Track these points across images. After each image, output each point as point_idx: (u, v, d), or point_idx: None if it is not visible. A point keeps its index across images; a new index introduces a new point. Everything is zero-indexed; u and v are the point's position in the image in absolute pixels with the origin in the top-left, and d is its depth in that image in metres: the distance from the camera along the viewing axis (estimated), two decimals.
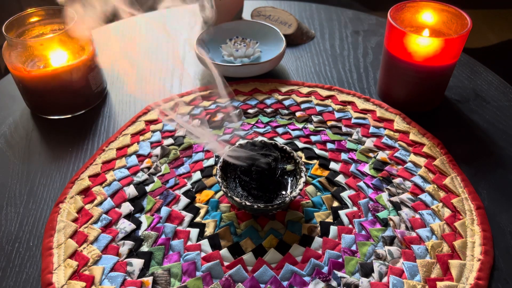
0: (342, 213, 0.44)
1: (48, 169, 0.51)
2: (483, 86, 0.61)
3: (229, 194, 0.42)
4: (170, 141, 0.53)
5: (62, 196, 0.46)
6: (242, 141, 0.45)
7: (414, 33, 0.50)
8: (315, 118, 0.56)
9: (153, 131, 0.54)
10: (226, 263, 0.40)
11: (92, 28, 0.52)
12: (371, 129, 0.54)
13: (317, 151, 0.51)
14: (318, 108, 0.57)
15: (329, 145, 0.52)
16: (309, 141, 0.53)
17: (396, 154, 0.51)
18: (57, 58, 0.54)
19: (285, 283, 0.39)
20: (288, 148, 0.46)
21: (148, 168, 0.50)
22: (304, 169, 0.44)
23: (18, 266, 0.41)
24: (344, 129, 0.54)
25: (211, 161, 0.50)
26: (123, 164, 0.50)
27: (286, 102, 0.59)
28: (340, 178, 0.48)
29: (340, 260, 0.40)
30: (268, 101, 0.59)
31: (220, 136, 0.54)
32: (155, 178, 0.49)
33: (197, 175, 0.49)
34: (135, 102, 0.60)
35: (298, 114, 0.57)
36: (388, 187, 0.47)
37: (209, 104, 0.58)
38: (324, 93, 0.60)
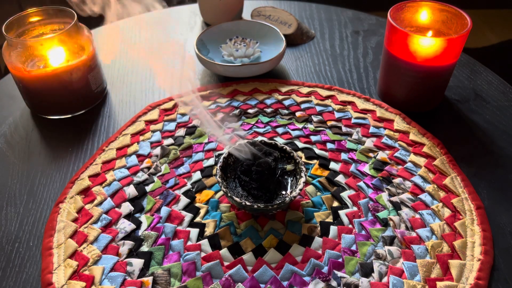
0: (342, 213, 0.44)
1: (48, 169, 0.51)
2: (483, 86, 0.61)
3: (229, 194, 0.42)
4: (170, 141, 0.53)
5: (62, 196, 0.46)
6: (243, 141, 0.45)
7: (414, 33, 0.50)
8: (315, 118, 0.56)
9: (153, 131, 0.54)
10: (226, 263, 0.40)
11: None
12: (371, 129, 0.54)
13: (317, 151, 0.51)
14: (318, 108, 0.57)
15: (329, 145, 0.52)
16: (309, 141, 0.53)
17: (396, 154, 0.51)
18: (57, 58, 0.54)
19: (285, 283, 0.39)
20: (288, 148, 0.46)
21: (148, 168, 0.50)
22: (304, 169, 0.44)
23: (18, 266, 0.41)
24: (344, 129, 0.54)
25: (211, 161, 0.50)
26: (123, 164, 0.50)
27: (286, 102, 0.59)
28: (340, 178, 0.48)
29: (340, 260, 0.40)
30: (268, 101, 0.59)
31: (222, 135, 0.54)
32: (155, 178, 0.49)
33: (197, 175, 0.49)
34: (135, 102, 0.60)
35: (298, 114, 0.57)
36: (388, 187, 0.47)
37: (209, 104, 0.59)
38: (324, 93, 0.60)
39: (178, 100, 0.59)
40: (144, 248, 0.42)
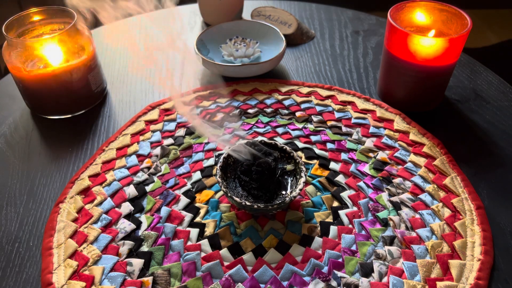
0: (342, 213, 0.44)
1: (48, 169, 0.51)
2: (483, 86, 0.61)
3: (229, 194, 0.42)
4: (170, 141, 0.53)
5: (62, 196, 0.46)
6: (243, 141, 0.45)
7: (414, 33, 0.50)
8: (315, 118, 0.56)
9: (153, 131, 0.54)
10: (226, 263, 0.40)
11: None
12: (371, 129, 0.54)
13: (317, 151, 0.51)
14: (318, 108, 0.57)
15: (329, 145, 0.52)
16: (309, 141, 0.53)
17: (396, 154, 0.51)
18: (57, 58, 0.54)
19: (285, 283, 0.39)
20: (288, 148, 0.46)
21: (148, 168, 0.50)
22: (304, 169, 0.44)
23: (18, 266, 0.41)
24: (344, 129, 0.54)
25: (211, 161, 0.50)
26: (123, 164, 0.50)
27: (286, 102, 0.59)
28: (340, 178, 0.48)
29: (340, 260, 0.40)
30: (268, 101, 0.59)
31: (220, 136, 0.54)
32: (155, 178, 0.49)
33: (197, 175, 0.49)
34: (135, 102, 0.60)
35: (298, 114, 0.57)
36: (388, 187, 0.47)
37: (209, 104, 0.58)
38: (324, 93, 0.60)
39: (174, 104, 0.59)
40: (144, 248, 0.42)
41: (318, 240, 0.42)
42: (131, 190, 0.47)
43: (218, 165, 0.44)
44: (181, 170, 0.50)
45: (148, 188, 0.48)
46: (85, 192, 0.47)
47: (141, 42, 0.73)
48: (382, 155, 0.51)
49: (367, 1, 1.65)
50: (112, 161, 0.51)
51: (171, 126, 0.55)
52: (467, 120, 0.56)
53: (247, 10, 0.78)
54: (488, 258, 0.40)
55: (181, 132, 0.54)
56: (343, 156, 0.51)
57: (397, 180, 0.48)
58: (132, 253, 0.41)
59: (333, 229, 0.43)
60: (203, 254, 0.41)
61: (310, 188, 0.47)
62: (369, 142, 0.52)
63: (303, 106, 0.58)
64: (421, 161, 0.50)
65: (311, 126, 0.55)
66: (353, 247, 0.42)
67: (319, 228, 0.43)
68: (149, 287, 0.39)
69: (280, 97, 0.59)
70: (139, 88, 0.63)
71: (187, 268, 0.40)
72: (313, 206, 0.45)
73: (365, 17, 0.78)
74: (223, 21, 0.70)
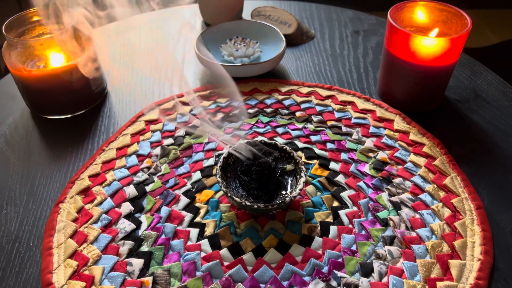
0: (342, 213, 0.44)
1: (48, 169, 0.51)
2: (483, 86, 0.61)
3: (229, 194, 0.42)
4: (170, 141, 0.53)
5: (62, 196, 0.46)
6: (244, 141, 0.45)
7: (414, 33, 0.50)
8: (315, 118, 0.56)
9: (153, 131, 0.54)
10: (226, 263, 0.40)
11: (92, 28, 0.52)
12: (371, 129, 0.54)
13: (317, 151, 0.51)
14: (318, 108, 0.57)
15: (329, 145, 0.52)
16: (309, 141, 0.53)
17: (396, 154, 0.51)
18: (57, 58, 0.54)
19: (285, 283, 0.39)
20: (288, 148, 0.46)
21: (148, 168, 0.50)
22: (304, 169, 0.44)
23: (18, 266, 0.41)
24: (344, 129, 0.54)
25: (211, 161, 0.50)
26: (123, 164, 0.50)
27: (286, 102, 0.59)
28: (340, 178, 0.48)
29: (340, 260, 0.40)
30: (268, 101, 0.59)
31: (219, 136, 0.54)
32: (155, 178, 0.49)
33: (197, 175, 0.49)
34: (135, 102, 0.60)
35: (298, 114, 0.57)
36: (388, 187, 0.47)
37: (209, 104, 0.59)
38: (324, 93, 0.60)
39: (177, 101, 0.59)
40: (144, 248, 0.42)
41: (318, 240, 0.42)
42: (131, 190, 0.47)
43: (218, 165, 0.44)
44: (181, 170, 0.50)
45: (148, 188, 0.48)
46: (85, 192, 0.47)
47: (142, 42, 0.73)
48: (382, 155, 0.51)
49: (367, 1, 1.65)
50: (112, 161, 0.51)
51: (171, 126, 0.55)
52: (467, 120, 0.56)
53: (247, 10, 0.78)
54: (488, 258, 0.40)
55: (181, 132, 0.54)
56: (343, 156, 0.51)
57: (397, 180, 0.48)
58: (132, 253, 0.41)
59: (333, 229, 0.43)
60: (203, 254, 0.41)
61: (310, 188, 0.47)
62: (369, 142, 0.52)
63: (303, 106, 0.58)
64: (421, 161, 0.50)
65: (311, 126, 0.55)
66: (353, 247, 0.42)
67: (319, 228, 0.43)
68: (149, 287, 0.39)
69: (280, 97, 0.59)
70: (139, 88, 0.63)
71: (187, 268, 0.40)
72: (313, 206, 0.45)
73: (365, 17, 0.78)
74: (223, 21, 0.70)
